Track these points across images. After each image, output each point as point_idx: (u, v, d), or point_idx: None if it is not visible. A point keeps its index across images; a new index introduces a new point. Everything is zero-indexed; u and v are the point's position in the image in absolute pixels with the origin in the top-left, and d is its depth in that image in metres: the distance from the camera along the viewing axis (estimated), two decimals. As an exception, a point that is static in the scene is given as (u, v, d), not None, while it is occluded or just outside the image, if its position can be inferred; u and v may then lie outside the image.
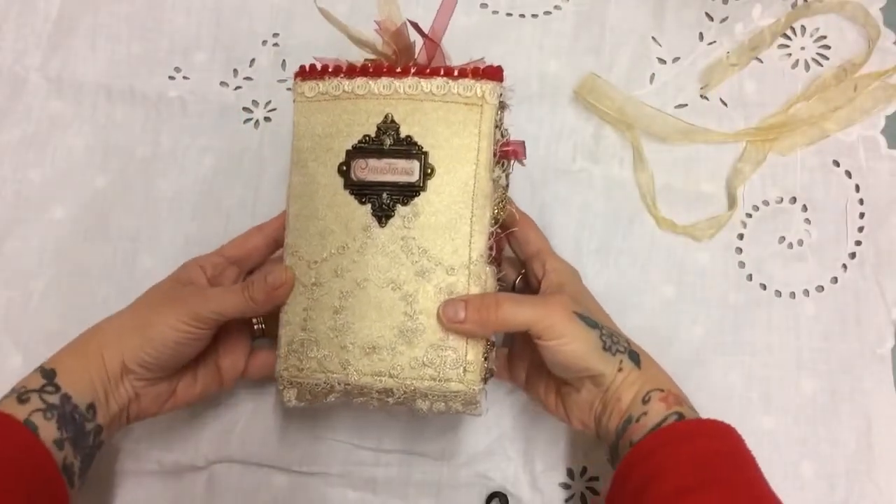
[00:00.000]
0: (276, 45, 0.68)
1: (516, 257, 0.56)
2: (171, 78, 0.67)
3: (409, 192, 0.49)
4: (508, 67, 0.66)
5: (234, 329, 0.53)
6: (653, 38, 0.67)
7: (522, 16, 0.68)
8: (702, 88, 0.66)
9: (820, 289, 0.62)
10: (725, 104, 0.66)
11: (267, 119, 0.66)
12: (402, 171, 0.49)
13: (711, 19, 0.68)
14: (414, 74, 0.49)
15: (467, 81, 0.49)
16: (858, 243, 0.63)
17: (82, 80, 0.66)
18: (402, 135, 0.49)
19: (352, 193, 0.49)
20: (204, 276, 0.52)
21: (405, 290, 0.48)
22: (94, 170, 0.65)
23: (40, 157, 0.65)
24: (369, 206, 0.49)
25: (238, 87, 0.67)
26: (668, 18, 0.68)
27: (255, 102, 0.66)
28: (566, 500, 0.58)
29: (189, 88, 0.67)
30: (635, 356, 0.49)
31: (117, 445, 0.58)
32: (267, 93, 0.67)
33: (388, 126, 0.49)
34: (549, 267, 0.52)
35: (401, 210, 0.49)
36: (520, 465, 0.59)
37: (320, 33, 0.68)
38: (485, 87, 0.49)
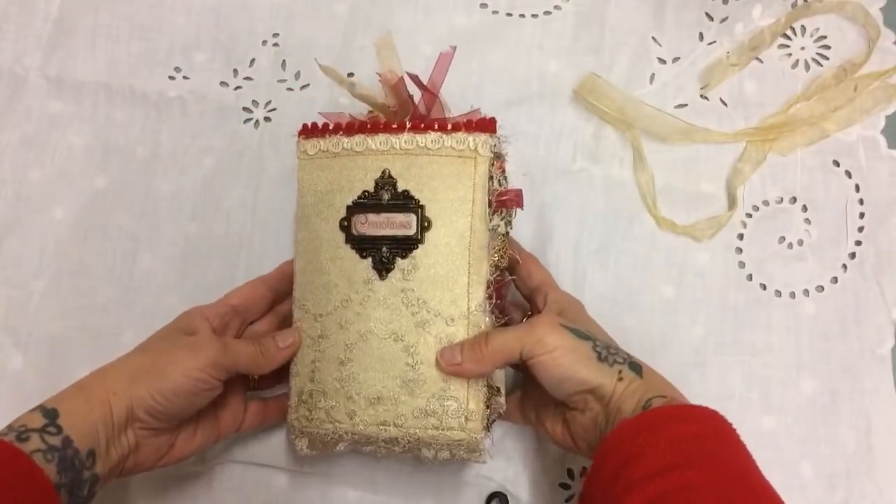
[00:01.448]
0: (276, 45, 0.68)
1: (521, 294, 0.56)
2: (171, 78, 0.67)
3: (407, 246, 0.50)
4: (508, 67, 0.67)
5: (235, 383, 0.53)
6: (653, 38, 0.67)
7: (522, 16, 0.68)
8: (702, 88, 0.66)
9: (820, 289, 0.62)
10: (725, 104, 0.66)
11: (267, 119, 0.66)
12: (401, 224, 0.50)
13: (711, 19, 0.68)
14: (409, 130, 0.50)
15: (460, 135, 0.50)
16: (858, 243, 0.63)
17: (82, 80, 0.66)
18: (400, 189, 0.50)
19: (353, 248, 0.51)
20: (209, 327, 0.51)
21: (406, 341, 0.49)
22: (94, 170, 0.65)
23: (40, 157, 0.65)
24: (370, 259, 0.50)
25: (238, 87, 0.67)
26: (668, 18, 0.68)
27: (255, 102, 0.66)
28: (566, 501, 0.58)
29: (189, 88, 0.67)
30: (636, 367, 0.48)
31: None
32: (267, 93, 0.67)
33: (386, 181, 0.50)
34: (551, 298, 0.53)
35: (400, 263, 0.50)
36: (520, 465, 0.59)
37: (320, 33, 0.68)
38: (478, 140, 0.50)
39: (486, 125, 0.50)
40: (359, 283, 0.50)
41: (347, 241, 0.51)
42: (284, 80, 0.67)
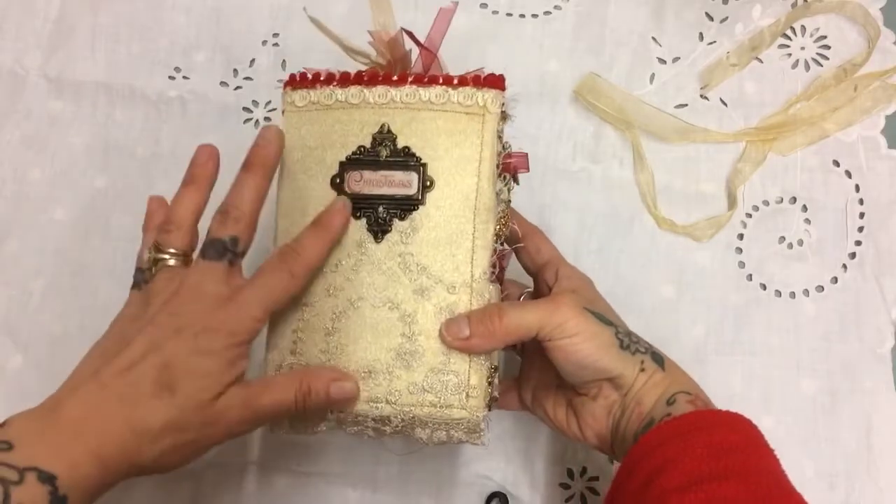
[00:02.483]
0: (276, 45, 0.68)
1: (527, 270, 0.54)
2: (171, 78, 0.67)
3: (406, 206, 0.46)
4: (508, 67, 0.66)
5: None
6: (653, 38, 0.67)
7: (522, 16, 0.68)
8: (702, 88, 0.66)
9: (820, 289, 0.62)
10: (725, 104, 0.66)
11: (267, 119, 0.66)
12: (400, 183, 0.46)
13: (711, 19, 0.68)
14: (411, 83, 0.47)
15: (468, 90, 0.47)
16: (858, 243, 0.63)
17: (82, 80, 0.66)
18: (400, 146, 0.47)
19: None
20: None
21: (403, 309, 0.46)
22: (94, 170, 0.65)
23: (40, 157, 0.65)
24: (364, 220, 0.46)
25: (238, 87, 0.67)
26: (668, 18, 0.68)
27: (255, 102, 0.66)
28: (566, 500, 0.58)
29: (189, 88, 0.67)
30: (659, 358, 0.46)
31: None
32: (267, 93, 0.67)
33: (385, 136, 0.47)
34: (562, 273, 0.50)
35: (398, 225, 0.46)
36: (520, 465, 0.59)
37: (320, 34, 0.68)
38: (486, 96, 0.47)
39: (496, 81, 0.47)
40: (351, 245, 0.46)
41: None
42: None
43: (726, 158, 0.65)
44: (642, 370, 0.45)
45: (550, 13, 0.68)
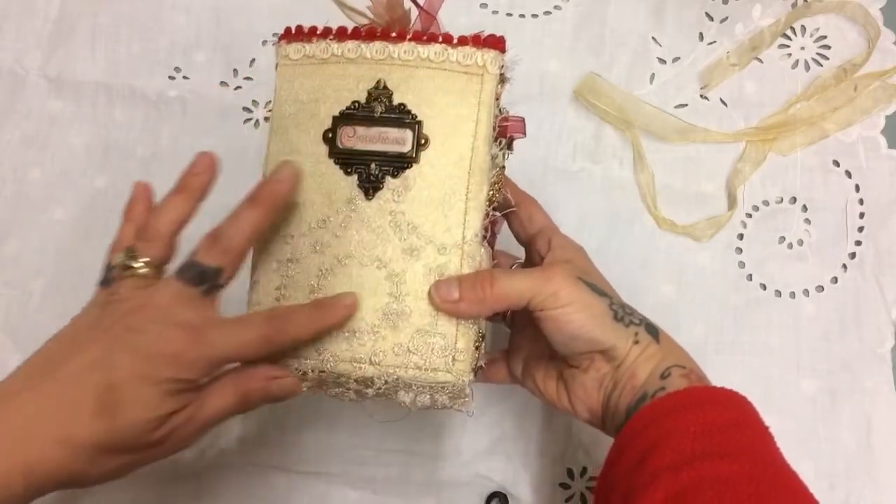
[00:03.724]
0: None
1: (518, 240, 0.52)
2: (171, 78, 0.67)
3: (399, 164, 0.45)
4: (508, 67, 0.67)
5: None
6: (653, 38, 0.67)
7: (522, 16, 0.68)
8: (702, 88, 0.66)
9: (820, 289, 0.62)
10: (725, 104, 0.66)
11: (267, 119, 0.66)
12: (394, 140, 0.45)
13: (711, 19, 0.68)
14: (410, 40, 0.46)
15: (468, 49, 0.46)
16: (858, 243, 0.63)
17: (82, 80, 0.66)
18: (395, 102, 0.46)
19: (337, 163, 0.46)
20: None
21: (391, 268, 0.44)
22: (94, 170, 0.65)
23: (40, 157, 0.65)
24: (355, 176, 0.45)
25: (238, 87, 0.67)
26: (668, 18, 0.68)
27: (255, 102, 0.66)
28: (566, 500, 0.58)
29: (189, 88, 0.67)
30: (653, 329, 0.45)
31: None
32: (267, 93, 0.66)
33: (380, 92, 0.46)
34: (555, 243, 0.48)
35: (390, 182, 0.45)
36: (520, 465, 0.59)
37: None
38: (486, 56, 0.46)
39: (496, 42, 0.46)
40: (340, 201, 0.45)
41: (331, 154, 0.46)
42: (284, 80, 0.67)
43: (726, 158, 0.65)
44: (636, 342, 0.44)
45: (550, 13, 0.68)
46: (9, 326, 0.61)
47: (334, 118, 0.46)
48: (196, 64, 0.67)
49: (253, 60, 0.67)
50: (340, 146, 0.46)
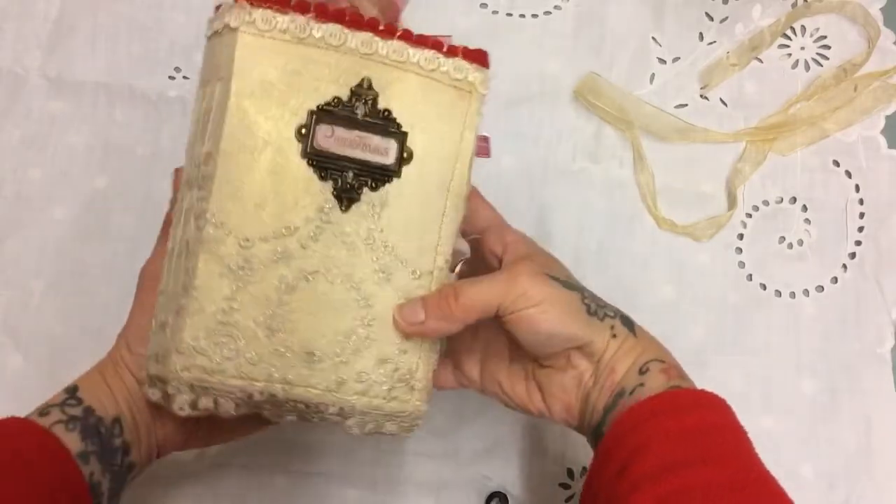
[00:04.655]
0: (276, 45, 0.68)
1: (463, 235, 0.48)
2: (171, 78, 0.67)
3: (380, 176, 0.41)
4: (508, 67, 0.67)
5: None
6: (653, 38, 0.67)
7: (522, 16, 0.68)
8: (702, 88, 0.66)
9: (820, 289, 0.62)
10: (725, 104, 0.66)
11: (267, 119, 0.66)
12: (376, 149, 0.41)
13: (711, 19, 0.68)
14: (399, 37, 0.42)
15: (459, 62, 0.42)
16: (858, 243, 0.63)
17: (82, 80, 0.66)
18: (380, 106, 0.41)
19: (310, 164, 0.40)
20: None
21: (363, 290, 0.41)
22: (94, 170, 0.64)
23: (40, 157, 0.65)
24: (330, 183, 0.41)
25: (238, 87, 0.67)
26: (668, 18, 0.68)
27: (255, 102, 0.66)
28: (566, 500, 0.58)
29: (189, 88, 0.66)
30: (628, 321, 0.44)
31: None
32: (267, 93, 0.66)
33: (364, 92, 0.41)
34: (510, 239, 0.45)
35: (368, 195, 0.41)
36: (520, 465, 0.59)
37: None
38: (476, 75, 0.43)
39: (482, 59, 0.43)
40: (310, 208, 0.40)
41: (305, 154, 0.40)
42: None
43: (726, 158, 0.65)
44: (613, 336, 0.42)
45: (550, 13, 0.68)
46: (9, 326, 0.61)
47: (311, 112, 0.41)
48: (196, 64, 0.67)
49: (253, 60, 0.67)
50: (317, 146, 0.41)
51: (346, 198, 0.41)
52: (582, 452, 0.59)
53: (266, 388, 0.40)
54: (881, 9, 0.66)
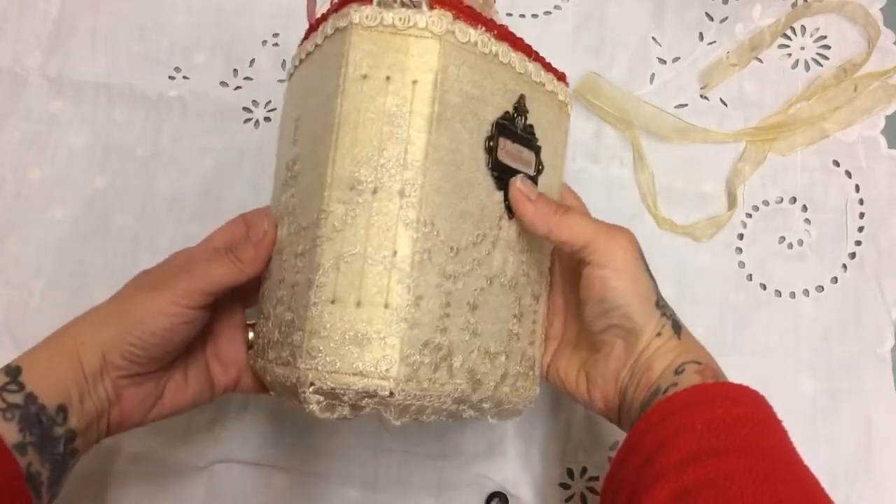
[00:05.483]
0: (276, 45, 0.68)
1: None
2: (171, 78, 0.67)
3: None
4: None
5: (227, 328, 0.50)
6: (653, 38, 0.67)
7: (522, 16, 0.68)
8: (702, 88, 0.66)
9: (820, 289, 0.62)
10: (725, 104, 0.66)
11: (267, 119, 0.66)
12: (526, 161, 0.44)
13: (711, 19, 0.68)
14: (534, 59, 0.44)
15: (556, 81, 0.46)
16: (858, 243, 0.63)
17: (82, 80, 0.66)
18: (528, 122, 0.44)
19: (492, 175, 0.42)
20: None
21: (517, 293, 0.44)
22: (94, 170, 0.65)
23: (40, 157, 0.65)
24: (501, 194, 0.43)
25: (238, 87, 0.67)
26: (668, 18, 0.68)
27: (255, 102, 0.66)
28: (566, 500, 0.58)
29: (189, 88, 0.67)
30: (678, 326, 0.45)
31: (118, 446, 0.58)
32: (267, 93, 0.66)
33: (521, 109, 0.44)
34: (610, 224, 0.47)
35: None
36: (520, 465, 0.59)
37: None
38: (567, 94, 0.46)
39: (564, 78, 0.46)
40: (493, 218, 0.42)
41: (490, 165, 0.42)
42: (284, 81, 0.66)
43: (726, 158, 0.65)
44: (658, 334, 0.44)
45: (550, 13, 0.68)
46: (9, 326, 0.61)
47: (495, 125, 0.42)
48: (196, 64, 0.67)
49: (253, 60, 0.67)
50: (499, 158, 0.43)
51: (508, 207, 0.44)
52: (582, 453, 0.59)
53: (465, 391, 0.40)
54: (881, 9, 0.66)
